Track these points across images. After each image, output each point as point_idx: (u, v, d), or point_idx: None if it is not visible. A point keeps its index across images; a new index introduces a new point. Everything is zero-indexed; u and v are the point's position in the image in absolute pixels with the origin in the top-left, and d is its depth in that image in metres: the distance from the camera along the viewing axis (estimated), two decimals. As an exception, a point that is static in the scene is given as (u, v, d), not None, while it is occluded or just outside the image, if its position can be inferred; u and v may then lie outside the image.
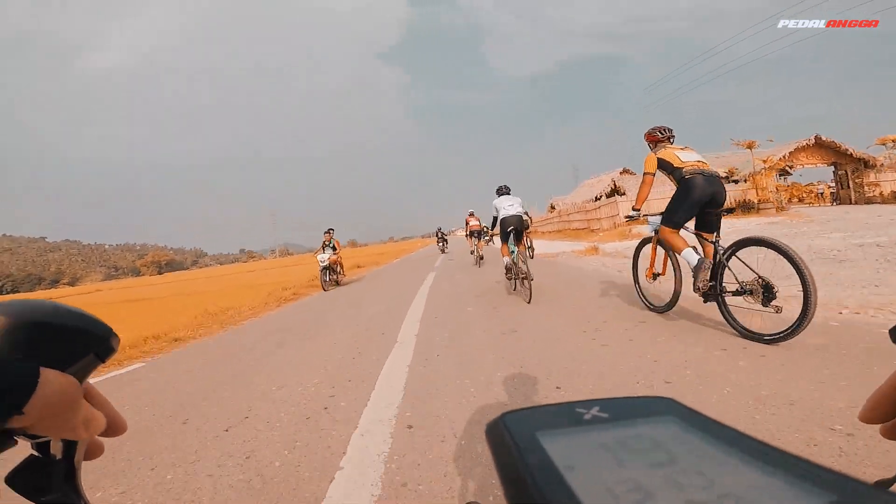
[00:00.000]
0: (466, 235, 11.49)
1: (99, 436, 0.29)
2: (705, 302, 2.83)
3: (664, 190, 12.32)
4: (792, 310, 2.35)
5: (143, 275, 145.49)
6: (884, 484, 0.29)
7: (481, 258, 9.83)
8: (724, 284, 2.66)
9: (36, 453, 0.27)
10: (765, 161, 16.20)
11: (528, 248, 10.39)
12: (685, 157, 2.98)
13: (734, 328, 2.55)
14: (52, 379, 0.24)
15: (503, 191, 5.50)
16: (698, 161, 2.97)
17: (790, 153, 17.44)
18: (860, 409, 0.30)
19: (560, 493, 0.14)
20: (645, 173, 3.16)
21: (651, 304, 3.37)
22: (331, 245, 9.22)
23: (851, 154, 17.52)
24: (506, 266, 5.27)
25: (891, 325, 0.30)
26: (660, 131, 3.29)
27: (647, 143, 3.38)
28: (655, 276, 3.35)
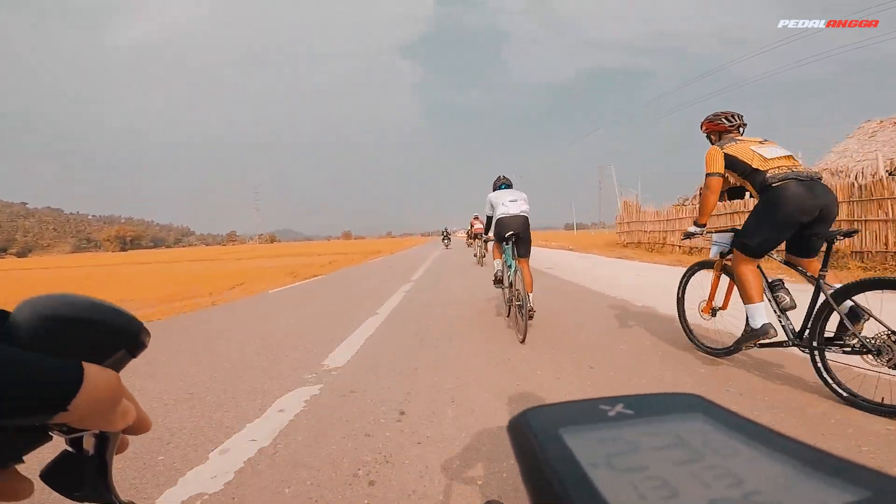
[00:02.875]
0: (470, 237, 12.91)
1: (125, 433, 0.29)
2: (787, 346, 2.17)
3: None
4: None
5: (105, 250, 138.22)
6: None
7: (483, 256, 10.86)
8: (825, 334, 1.99)
9: (69, 449, 0.27)
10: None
11: None
12: (769, 152, 2.18)
13: (835, 391, 1.90)
14: (96, 375, 0.24)
15: (502, 181, 4.07)
16: (788, 157, 2.17)
17: None
18: None
19: (584, 490, 0.14)
20: (708, 175, 2.34)
21: (704, 346, 2.70)
22: None
23: None
24: (496, 275, 4.02)
25: None
26: (727, 118, 2.46)
27: (706, 136, 2.60)
28: (714, 311, 2.67)
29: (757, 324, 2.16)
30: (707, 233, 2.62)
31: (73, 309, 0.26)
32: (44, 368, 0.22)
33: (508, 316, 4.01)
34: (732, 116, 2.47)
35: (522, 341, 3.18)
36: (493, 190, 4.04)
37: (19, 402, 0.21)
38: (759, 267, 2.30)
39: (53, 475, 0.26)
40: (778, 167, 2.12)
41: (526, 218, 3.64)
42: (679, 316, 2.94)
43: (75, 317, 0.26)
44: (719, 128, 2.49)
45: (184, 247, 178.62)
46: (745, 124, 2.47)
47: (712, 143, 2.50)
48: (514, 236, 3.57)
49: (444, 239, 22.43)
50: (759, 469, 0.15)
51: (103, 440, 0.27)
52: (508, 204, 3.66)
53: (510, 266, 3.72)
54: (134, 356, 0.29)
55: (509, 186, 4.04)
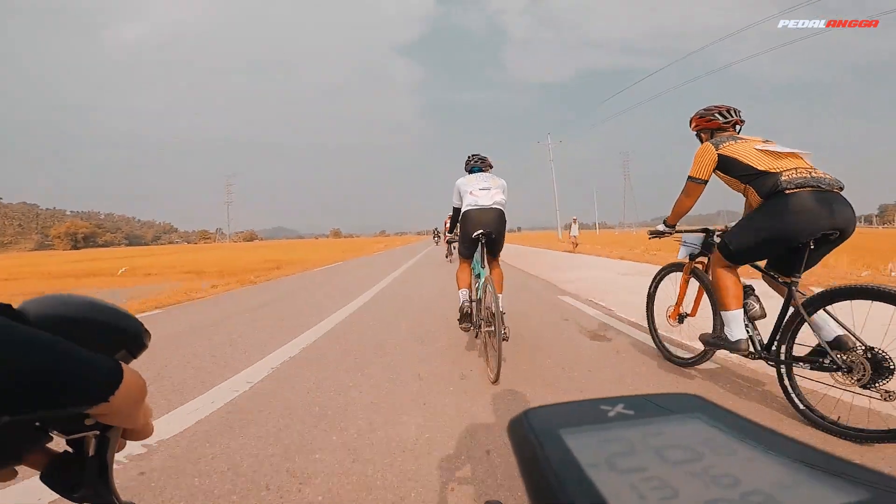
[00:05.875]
0: (444, 235, 13.35)
1: (132, 438, 0.29)
2: (754, 358, 1.97)
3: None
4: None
5: (55, 248, 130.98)
6: None
7: (451, 253, 12.29)
8: (793, 347, 1.84)
9: (69, 449, 0.27)
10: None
11: None
12: (777, 153, 1.84)
13: (800, 412, 1.75)
14: (129, 374, 0.25)
15: (474, 163, 3.07)
16: (798, 157, 1.82)
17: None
18: None
19: (583, 491, 0.14)
20: (690, 178, 2.06)
21: (671, 355, 2.55)
22: None
23: None
24: (461, 307, 2.81)
25: None
26: (721, 112, 2.14)
27: (696, 134, 2.29)
28: (682, 317, 2.51)
29: (734, 336, 1.94)
30: (676, 232, 2.41)
31: (75, 308, 0.26)
32: (91, 360, 0.23)
33: (477, 338, 3.13)
34: (728, 111, 2.14)
35: (495, 381, 2.29)
36: (467, 172, 3.09)
37: (70, 389, 0.22)
38: (739, 278, 2.02)
39: (53, 476, 0.26)
40: (795, 169, 1.76)
41: (500, 212, 2.76)
42: (648, 320, 2.78)
43: (78, 316, 0.26)
44: (711, 124, 2.17)
45: (162, 244, 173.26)
46: (742, 121, 2.15)
47: (702, 143, 2.15)
48: (482, 236, 2.73)
49: (434, 237, 25.13)
50: (759, 469, 0.15)
51: (104, 441, 0.27)
52: (478, 193, 2.78)
53: (479, 275, 2.86)
54: (135, 356, 0.29)
55: (482, 169, 3.05)
